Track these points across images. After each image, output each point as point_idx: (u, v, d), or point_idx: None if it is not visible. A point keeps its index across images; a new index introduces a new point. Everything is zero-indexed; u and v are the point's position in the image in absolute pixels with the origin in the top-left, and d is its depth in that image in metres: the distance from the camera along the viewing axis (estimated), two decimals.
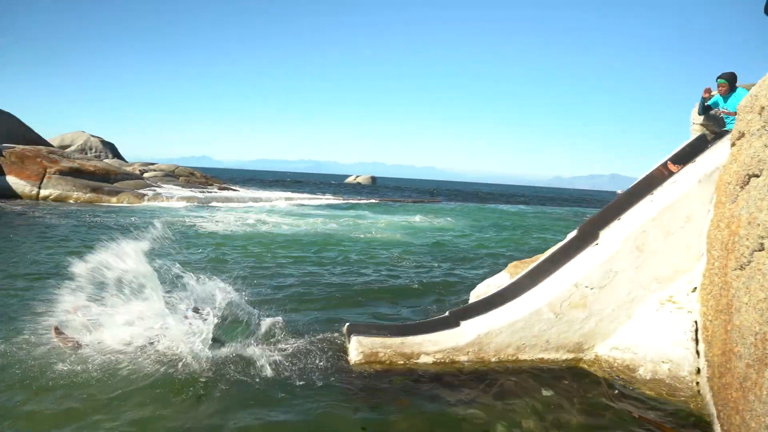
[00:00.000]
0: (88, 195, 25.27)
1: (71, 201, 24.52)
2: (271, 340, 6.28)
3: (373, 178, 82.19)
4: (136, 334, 5.55)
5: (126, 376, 4.95)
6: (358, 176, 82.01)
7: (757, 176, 3.70)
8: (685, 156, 6.38)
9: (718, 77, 6.43)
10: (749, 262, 3.60)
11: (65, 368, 4.98)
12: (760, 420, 3.12)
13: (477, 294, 7.41)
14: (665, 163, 6.49)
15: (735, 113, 6.32)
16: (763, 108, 3.68)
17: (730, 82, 6.37)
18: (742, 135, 4.19)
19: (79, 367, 5.00)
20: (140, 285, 5.68)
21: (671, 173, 6.21)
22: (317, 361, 5.69)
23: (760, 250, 3.43)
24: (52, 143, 36.13)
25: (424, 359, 5.51)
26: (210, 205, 27.13)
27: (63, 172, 25.87)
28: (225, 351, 5.63)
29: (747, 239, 3.66)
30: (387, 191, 60.33)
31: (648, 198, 6.13)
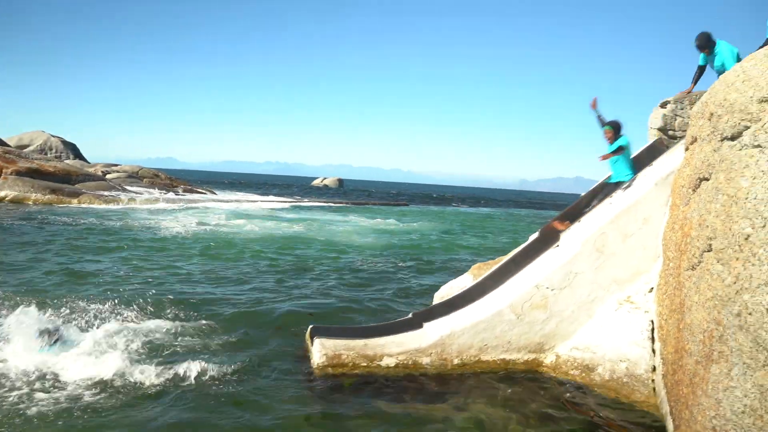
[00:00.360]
0: (47, 196, 24.59)
1: (29, 203, 23.80)
2: (231, 344, 6.21)
3: (340, 180, 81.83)
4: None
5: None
6: (325, 178, 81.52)
7: (707, 179, 3.82)
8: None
9: (606, 123, 6.56)
10: (699, 262, 3.71)
11: None
12: (706, 413, 3.22)
13: (441, 296, 7.46)
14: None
15: (612, 154, 6.44)
16: (712, 114, 3.81)
17: (615, 130, 6.51)
18: (694, 140, 4.33)
19: None
20: None
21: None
22: (280, 365, 5.65)
23: (708, 251, 3.54)
24: (8, 143, 35.06)
25: (387, 361, 5.51)
26: (173, 207, 26.68)
27: (20, 173, 25.11)
28: (178, 357, 5.55)
29: (698, 240, 3.77)
30: (354, 194, 60.28)
31: (607, 201, 6.27)
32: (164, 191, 35.06)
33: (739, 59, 6.10)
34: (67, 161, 36.33)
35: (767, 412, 2.79)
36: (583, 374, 5.58)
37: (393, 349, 5.59)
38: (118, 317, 6.68)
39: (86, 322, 6.28)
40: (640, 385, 5.21)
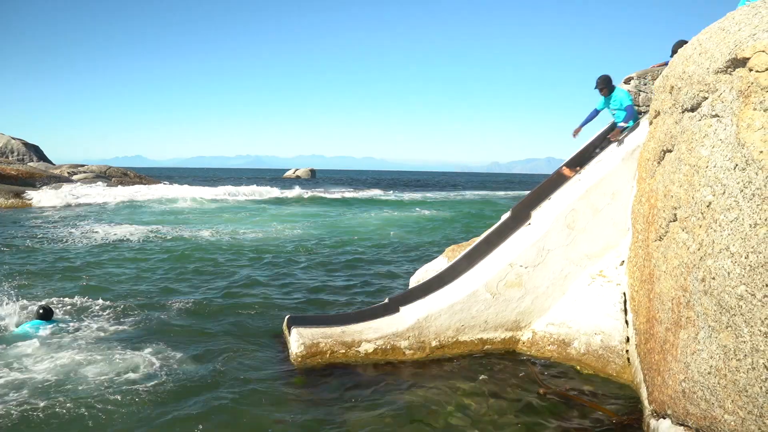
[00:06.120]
0: (11, 200, 24.04)
1: None
2: (207, 337, 6.17)
3: (313, 171, 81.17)
4: None
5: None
6: (297, 170, 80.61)
7: (670, 151, 3.89)
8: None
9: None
10: (666, 232, 3.80)
11: None
12: (676, 377, 3.31)
13: (417, 279, 7.49)
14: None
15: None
16: (672, 87, 3.88)
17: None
18: (657, 113, 4.40)
19: None
20: None
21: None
22: (258, 356, 5.63)
23: (674, 221, 3.62)
24: None
25: (366, 347, 5.53)
26: (141, 205, 26.25)
27: None
28: (152, 353, 5.51)
29: (663, 211, 3.86)
30: (327, 183, 60.03)
31: (576, 177, 6.35)
32: (133, 189, 34.42)
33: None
34: (31, 164, 35.45)
35: (730, 371, 2.88)
36: (560, 349, 5.68)
37: (371, 335, 5.61)
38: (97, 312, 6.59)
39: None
40: (615, 357, 5.32)
